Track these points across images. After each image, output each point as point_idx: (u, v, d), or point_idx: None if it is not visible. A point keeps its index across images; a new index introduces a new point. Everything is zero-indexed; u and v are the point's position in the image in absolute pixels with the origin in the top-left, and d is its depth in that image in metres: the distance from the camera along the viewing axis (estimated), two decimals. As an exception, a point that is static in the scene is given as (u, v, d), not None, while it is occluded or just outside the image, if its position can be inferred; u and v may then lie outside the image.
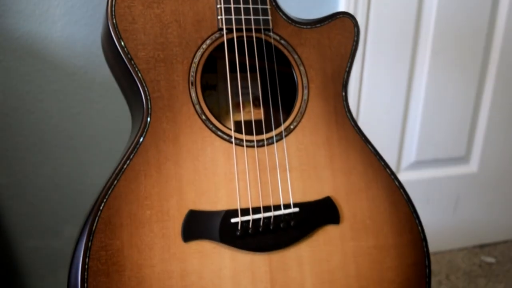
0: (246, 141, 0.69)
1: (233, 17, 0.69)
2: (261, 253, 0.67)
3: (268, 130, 0.71)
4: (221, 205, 0.67)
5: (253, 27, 0.70)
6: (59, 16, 1.04)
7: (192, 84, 0.68)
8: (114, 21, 0.66)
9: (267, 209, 0.68)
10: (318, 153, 0.72)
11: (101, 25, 0.72)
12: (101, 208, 0.63)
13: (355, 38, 0.76)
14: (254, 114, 0.77)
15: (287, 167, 0.70)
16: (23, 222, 1.13)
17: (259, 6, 0.70)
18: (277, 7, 0.73)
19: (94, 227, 0.62)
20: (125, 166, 0.65)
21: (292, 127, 0.72)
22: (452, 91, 1.37)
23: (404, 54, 1.31)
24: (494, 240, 1.59)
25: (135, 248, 0.63)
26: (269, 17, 0.71)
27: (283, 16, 0.73)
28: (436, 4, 1.28)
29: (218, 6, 0.69)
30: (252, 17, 0.70)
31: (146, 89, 0.66)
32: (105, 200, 0.63)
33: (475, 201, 1.51)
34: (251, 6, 0.70)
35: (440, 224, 1.49)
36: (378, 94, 1.32)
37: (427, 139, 1.40)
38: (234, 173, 0.68)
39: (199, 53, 0.69)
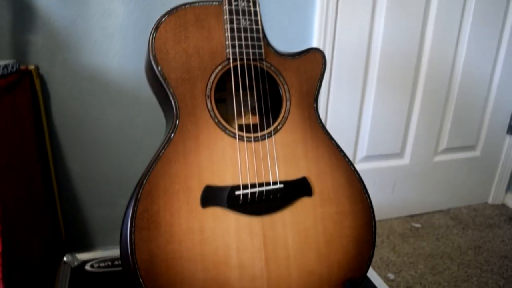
0: (246, 137, 0.69)
1: (237, 50, 0.69)
2: (256, 216, 0.67)
3: (262, 130, 0.70)
4: (228, 182, 0.66)
5: (251, 57, 0.70)
6: (117, 52, 1.04)
7: (208, 97, 0.68)
8: (154, 53, 0.65)
9: (260, 185, 0.68)
10: (297, 147, 0.71)
11: (144, 57, 0.71)
12: (144, 183, 0.62)
13: (323, 66, 0.76)
14: (252, 119, 0.77)
15: (275, 156, 0.70)
16: (91, 196, 1.13)
17: (256, 43, 0.70)
18: (268, 44, 0.72)
19: (139, 196, 0.62)
20: (160, 154, 0.64)
21: (278, 128, 0.71)
22: (391, 105, 1.37)
23: (358, 79, 1.30)
24: (420, 212, 1.58)
25: (168, 212, 0.63)
26: (263, 51, 0.70)
27: (272, 50, 0.73)
28: (380, 47, 1.28)
29: (227, 42, 0.69)
30: (250, 50, 0.69)
31: (175, 100, 0.66)
32: (146, 177, 0.63)
33: (407, 185, 1.51)
34: (249, 43, 0.69)
35: (383, 200, 1.48)
36: (340, 107, 1.31)
37: (374, 140, 1.39)
38: (237, 159, 0.67)
39: (213, 75, 0.68)
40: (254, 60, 0.70)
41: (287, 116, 0.72)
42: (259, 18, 0.70)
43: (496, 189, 1.64)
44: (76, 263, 0.95)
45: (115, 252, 0.99)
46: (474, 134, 1.53)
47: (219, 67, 0.69)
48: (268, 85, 0.73)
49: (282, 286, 0.67)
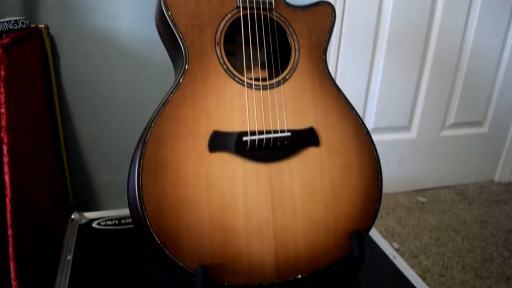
0: (255, 85, 0.68)
1: (247, -1, 0.68)
2: (263, 164, 0.66)
3: (270, 79, 0.70)
4: (236, 128, 0.66)
5: (261, 6, 0.69)
6: (126, 16, 1.03)
7: (217, 44, 0.67)
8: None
9: (268, 132, 0.67)
10: (305, 96, 0.71)
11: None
12: (152, 126, 0.62)
13: (333, 19, 0.75)
14: (261, 73, 0.76)
15: (283, 104, 0.69)
16: (98, 160, 1.13)
17: (266, -8, 0.69)
18: (278, -5, 0.72)
19: (147, 139, 0.61)
20: (169, 98, 0.64)
21: (287, 77, 0.70)
22: (399, 78, 1.36)
23: (367, 51, 1.29)
24: (426, 187, 1.57)
25: (175, 155, 0.62)
26: (273, 0, 0.70)
27: (282, 1, 0.72)
28: (389, 20, 1.26)
29: (237, -10, 0.68)
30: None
31: (185, 45, 0.65)
32: (154, 121, 0.62)
33: (414, 159, 1.50)
34: (260, -8, 0.69)
35: (389, 174, 1.47)
36: (348, 78, 1.30)
37: (381, 112, 1.38)
38: (245, 106, 0.67)
39: (222, 23, 0.68)
40: (264, 9, 0.70)
41: (296, 66, 0.71)
42: (269, -33, 0.69)
43: (503, 166, 1.62)
44: (83, 221, 0.95)
45: (122, 211, 0.99)
46: (482, 110, 1.51)
47: (229, 15, 0.68)
48: (278, 37, 0.72)
49: (288, 233, 0.66)
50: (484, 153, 1.59)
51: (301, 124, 0.70)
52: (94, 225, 0.95)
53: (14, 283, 0.70)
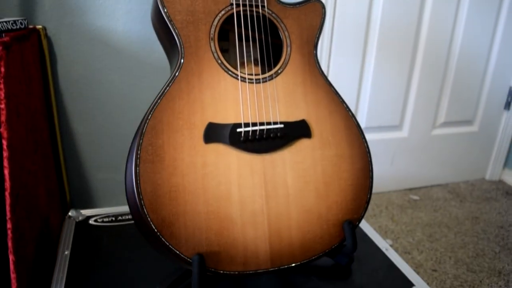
0: (248, 79, 0.70)
1: (240, -5, 0.71)
2: (257, 154, 0.69)
3: (263, 72, 0.72)
4: (230, 120, 0.68)
5: (253, 3, 0.72)
6: (122, 15, 1.05)
7: (211, 39, 0.70)
8: (160, -5, 0.67)
9: (262, 124, 0.69)
10: (297, 90, 0.73)
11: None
12: (149, 117, 0.64)
13: (323, 16, 0.77)
14: (254, 69, 0.78)
15: (276, 97, 0.71)
16: (94, 160, 1.15)
17: (258, -10, 0.72)
18: (270, -7, 0.74)
19: (144, 130, 0.63)
20: (165, 91, 0.66)
21: (279, 71, 0.73)
22: (390, 77, 1.39)
23: (358, 50, 1.32)
24: (418, 185, 1.60)
25: (172, 146, 0.64)
26: (265, -2, 0.73)
27: (274, -1, 0.75)
28: (380, 13, 1.29)
29: (230, -12, 0.71)
30: (253, -4, 0.71)
31: (181, 40, 0.68)
32: (151, 113, 0.64)
33: (406, 157, 1.52)
34: (252, -11, 0.71)
35: (382, 173, 1.50)
36: (340, 78, 1.33)
37: (373, 111, 1.41)
38: (239, 99, 0.69)
39: (216, 19, 0.70)
40: (257, 6, 0.72)
41: (288, 61, 0.74)
42: (261, -34, 0.72)
43: (494, 165, 1.66)
44: (80, 218, 0.97)
45: (118, 209, 1.01)
46: (472, 109, 1.55)
47: (222, 12, 0.71)
48: (270, 33, 0.75)
49: (282, 222, 0.69)
50: (475, 152, 1.62)
51: (294, 116, 0.72)
52: (91, 222, 0.97)
53: (13, 275, 0.71)
